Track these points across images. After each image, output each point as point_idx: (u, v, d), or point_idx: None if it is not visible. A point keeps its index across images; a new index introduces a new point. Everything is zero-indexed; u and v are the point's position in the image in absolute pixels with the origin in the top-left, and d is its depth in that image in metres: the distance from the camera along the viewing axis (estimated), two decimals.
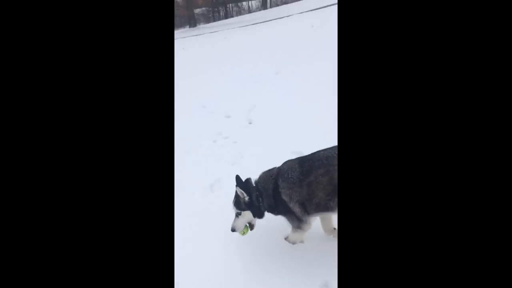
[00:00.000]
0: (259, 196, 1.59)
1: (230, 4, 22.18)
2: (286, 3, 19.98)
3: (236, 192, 1.63)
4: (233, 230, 1.66)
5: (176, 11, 21.12)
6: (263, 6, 20.83)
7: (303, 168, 1.50)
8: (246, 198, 1.60)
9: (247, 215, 1.64)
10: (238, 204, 1.64)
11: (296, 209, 1.52)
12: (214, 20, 21.25)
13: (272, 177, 1.59)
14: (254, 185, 1.63)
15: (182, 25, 21.14)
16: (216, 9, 22.22)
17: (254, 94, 4.06)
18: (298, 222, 1.58)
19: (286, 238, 1.74)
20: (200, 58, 7.51)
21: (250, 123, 3.32)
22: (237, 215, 1.65)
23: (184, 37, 12.65)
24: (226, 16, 21.72)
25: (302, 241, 1.72)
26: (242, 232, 1.68)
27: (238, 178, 1.65)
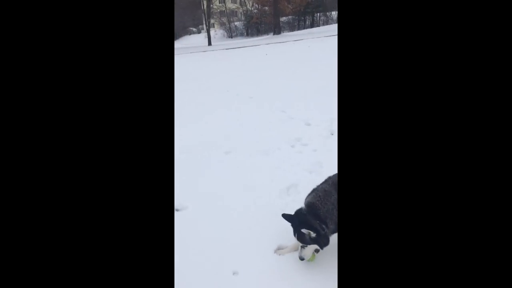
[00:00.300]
0: (321, 224, 1.54)
1: (318, 14, 22.09)
2: None
3: (294, 227, 1.61)
4: (301, 259, 1.62)
5: (262, 19, 22.03)
6: None
7: None
8: (313, 235, 1.55)
9: (313, 246, 1.60)
10: (303, 239, 1.58)
11: None
12: (299, 29, 21.46)
13: (333, 195, 1.55)
14: (306, 212, 1.58)
15: (266, 32, 21.91)
16: (302, 18, 22.38)
17: None
18: None
19: None
20: (281, 65, 7.67)
21: (332, 134, 3.24)
22: (303, 246, 1.61)
23: (268, 44, 13.11)
24: (312, 25, 21.73)
25: None
26: (309, 259, 1.66)
27: (285, 216, 1.62)
